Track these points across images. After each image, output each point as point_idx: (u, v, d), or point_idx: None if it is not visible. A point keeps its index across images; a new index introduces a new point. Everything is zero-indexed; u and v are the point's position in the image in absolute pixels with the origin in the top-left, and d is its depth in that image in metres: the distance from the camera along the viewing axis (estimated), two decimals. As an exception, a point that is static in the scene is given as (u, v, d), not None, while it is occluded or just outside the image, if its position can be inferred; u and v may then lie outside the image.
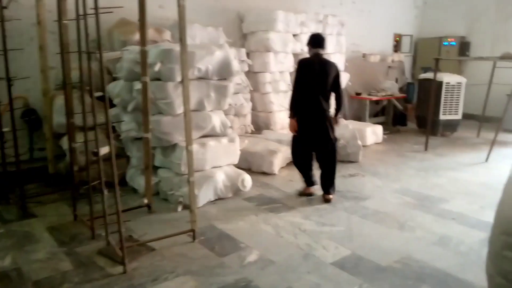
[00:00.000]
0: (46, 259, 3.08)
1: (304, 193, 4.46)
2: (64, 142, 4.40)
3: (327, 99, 4.21)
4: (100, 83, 2.76)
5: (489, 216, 2.32)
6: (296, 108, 4.21)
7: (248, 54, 6.22)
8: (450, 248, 3.29)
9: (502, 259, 2.18)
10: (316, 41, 4.20)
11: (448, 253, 3.20)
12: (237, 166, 4.66)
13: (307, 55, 4.36)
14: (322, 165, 4.32)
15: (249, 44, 6.39)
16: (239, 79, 5.62)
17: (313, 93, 4.12)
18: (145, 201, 3.86)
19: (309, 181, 4.46)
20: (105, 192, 3.06)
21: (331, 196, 4.29)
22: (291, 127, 4.26)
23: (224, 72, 4.21)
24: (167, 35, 4.94)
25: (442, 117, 7.39)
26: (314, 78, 4.10)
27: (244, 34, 6.56)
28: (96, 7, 2.58)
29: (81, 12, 2.88)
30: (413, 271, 2.93)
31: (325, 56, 4.28)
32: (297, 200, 4.29)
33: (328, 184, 4.30)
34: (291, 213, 3.97)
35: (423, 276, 2.86)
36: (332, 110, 4.29)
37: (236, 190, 4.37)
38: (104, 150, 2.99)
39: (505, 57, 5.98)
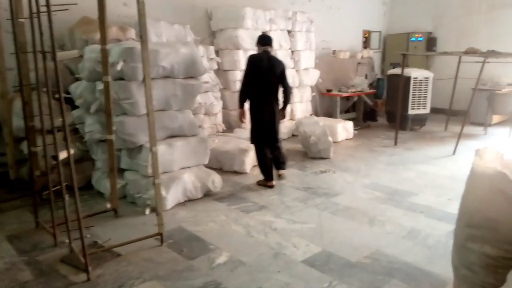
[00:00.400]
0: (4, 270, 2.93)
1: (266, 185, 4.64)
2: (25, 146, 4.21)
3: (276, 92, 4.56)
4: (57, 84, 2.62)
5: (456, 209, 2.33)
6: (249, 99, 4.57)
7: (217, 52, 6.15)
8: (418, 241, 3.32)
9: (466, 251, 2.20)
10: (265, 40, 4.61)
11: (417, 247, 3.23)
12: (208, 166, 4.59)
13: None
14: (272, 151, 4.69)
15: (218, 41, 6.31)
16: (208, 77, 5.54)
17: (264, 86, 4.48)
18: (108, 205, 3.74)
19: (268, 175, 4.65)
20: (66, 197, 2.93)
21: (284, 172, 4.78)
22: (240, 116, 4.70)
23: (190, 70, 4.12)
24: (132, 33, 4.80)
25: (411, 111, 7.52)
26: (263, 72, 4.45)
27: (213, 32, 6.48)
28: (48, 5, 2.45)
29: (34, 10, 2.74)
30: (382, 266, 2.93)
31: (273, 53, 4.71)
32: (268, 199, 4.25)
33: (281, 162, 4.74)
34: (262, 212, 3.93)
35: (392, 270, 2.87)
36: (280, 102, 4.65)
37: (206, 191, 4.29)
38: (64, 154, 2.86)
39: (469, 52, 6.12)
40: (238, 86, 6.20)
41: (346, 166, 5.43)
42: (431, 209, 3.98)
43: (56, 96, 2.70)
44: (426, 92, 7.56)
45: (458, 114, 8.25)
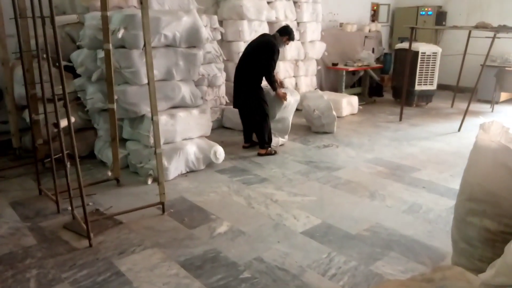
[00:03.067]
0: (8, 234, 2.97)
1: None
2: (27, 115, 4.20)
3: (250, 73, 4.71)
4: (56, 50, 2.58)
5: (458, 184, 2.32)
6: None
7: (221, 22, 6.02)
8: (419, 216, 3.32)
9: (466, 225, 2.20)
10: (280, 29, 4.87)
11: (417, 221, 3.23)
12: (211, 137, 4.58)
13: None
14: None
15: (222, 11, 6.17)
16: (211, 47, 5.45)
17: (241, 66, 4.84)
18: (109, 173, 3.75)
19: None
20: (68, 165, 2.94)
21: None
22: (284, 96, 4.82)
23: (192, 39, 4.04)
24: (133, 0, 4.68)
25: (417, 87, 7.40)
26: (245, 53, 4.84)
27: (217, 1, 6.32)
28: (46, -34, 2.38)
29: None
30: (381, 238, 2.95)
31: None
32: (270, 172, 4.25)
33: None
34: (263, 184, 3.93)
35: (391, 243, 2.88)
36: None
37: (208, 162, 4.29)
38: (65, 122, 2.85)
39: (479, 26, 5.96)
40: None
41: (349, 141, 5.40)
42: (433, 184, 3.97)
43: (57, 63, 2.66)
44: (433, 67, 7.41)
45: (465, 91, 8.13)
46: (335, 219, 3.22)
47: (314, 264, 2.63)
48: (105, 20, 3.20)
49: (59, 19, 3.24)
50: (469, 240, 2.18)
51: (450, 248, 2.41)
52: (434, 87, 7.54)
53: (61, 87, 2.62)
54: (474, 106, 7.31)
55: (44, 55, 2.82)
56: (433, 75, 7.44)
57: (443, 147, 5.17)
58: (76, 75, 4.32)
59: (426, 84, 7.45)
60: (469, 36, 7.01)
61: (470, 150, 2.24)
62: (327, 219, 3.23)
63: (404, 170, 4.34)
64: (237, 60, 6.09)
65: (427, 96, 7.62)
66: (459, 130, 5.93)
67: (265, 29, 6.37)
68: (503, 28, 5.73)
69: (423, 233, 3.03)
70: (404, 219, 3.25)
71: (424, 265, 2.63)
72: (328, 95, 6.25)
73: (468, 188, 2.18)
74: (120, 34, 3.49)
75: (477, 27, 5.99)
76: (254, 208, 3.43)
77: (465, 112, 5.89)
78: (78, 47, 4.33)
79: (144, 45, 2.82)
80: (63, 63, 2.83)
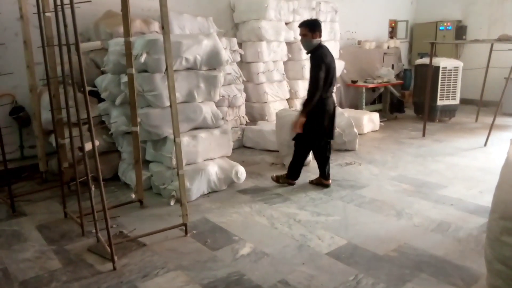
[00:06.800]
0: (34, 258, 3.01)
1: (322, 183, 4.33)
2: (54, 139, 4.31)
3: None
4: (80, 75, 2.65)
5: (488, 201, 2.24)
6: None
7: (240, 44, 6.11)
8: (448, 234, 3.21)
9: (501, 244, 2.11)
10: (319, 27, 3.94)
11: (447, 240, 3.12)
12: (232, 158, 4.58)
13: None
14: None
15: (241, 33, 6.27)
16: (231, 69, 5.51)
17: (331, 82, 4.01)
18: (133, 196, 3.78)
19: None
20: (92, 188, 2.98)
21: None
22: (300, 125, 3.94)
23: (213, 61, 4.10)
24: (155, 26, 4.82)
25: (439, 102, 7.28)
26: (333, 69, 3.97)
27: (236, 24, 6.44)
28: (71, -4, 2.48)
29: (58, 3, 2.78)
30: (410, 259, 2.85)
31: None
32: (292, 191, 4.21)
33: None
34: (286, 204, 3.89)
35: (420, 264, 2.78)
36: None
37: (230, 182, 4.28)
38: (90, 146, 2.90)
39: (502, 39, 5.87)
40: (261, 78, 6.16)
41: (372, 158, 5.32)
42: (462, 201, 3.84)
43: (82, 89, 2.73)
44: (455, 82, 7.30)
45: (490, 105, 7.95)
46: (361, 239, 3.14)
47: (340, 286, 2.55)
48: (128, 45, 3.29)
49: (84, 46, 3.35)
50: (505, 261, 2.09)
51: (484, 269, 2.31)
52: (457, 101, 7.40)
53: (86, 111, 2.69)
54: (500, 120, 7.11)
55: (70, 81, 2.91)
56: (455, 89, 7.32)
57: (469, 163, 5.03)
58: (101, 100, 4.43)
59: (449, 99, 7.33)
60: (491, 49, 6.90)
61: (498, 165, 2.17)
62: (353, 239, 3.15)
63: (430, 187, 4.22)
64: (256, 80, 6.19)
65: (450, 111, 7.48)
66: (485, 145, 5.77)
67: (283, 50, 6.43)
68: (527, 40, 5.63)
69: (454, 253, 2.92)
70: (433, 239, 3.15)
71: (456, 287, 2.52)
72: (348, 112, 6.21)
73: (501, 205, 2.10)
74: (142, 59, 3.58)
75: (499, 39, 5.90)
76: (277, 229, 3.38)
77: (491, 126, 5.75)
78: (102, 72, 4.45)
79: (166, 69, 2.88)
80: (88, 88, 2.91)
